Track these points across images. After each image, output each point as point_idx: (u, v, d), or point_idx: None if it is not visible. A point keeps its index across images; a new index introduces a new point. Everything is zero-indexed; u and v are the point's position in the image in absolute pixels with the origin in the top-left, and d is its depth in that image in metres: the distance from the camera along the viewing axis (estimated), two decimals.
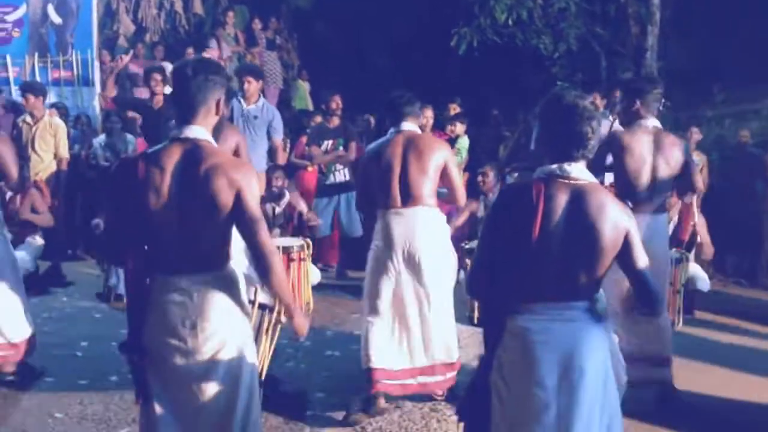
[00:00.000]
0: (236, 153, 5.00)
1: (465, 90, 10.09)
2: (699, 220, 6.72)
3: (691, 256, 6.40)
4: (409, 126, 4.57)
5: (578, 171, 2.73)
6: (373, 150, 4.67)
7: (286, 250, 5.49)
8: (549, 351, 2.71)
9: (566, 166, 2.73)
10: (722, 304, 6.94)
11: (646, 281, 2.77)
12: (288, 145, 9.20)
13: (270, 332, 3.46)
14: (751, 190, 8.16)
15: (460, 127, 8.24)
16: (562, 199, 2.70)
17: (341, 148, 8.14)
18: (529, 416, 2.72)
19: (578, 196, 2.70)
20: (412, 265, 4.44)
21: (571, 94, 2.86)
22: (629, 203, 4.42)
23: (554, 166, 2.75)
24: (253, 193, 2.89)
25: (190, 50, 11.51)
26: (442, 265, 4.55)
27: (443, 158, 4.50)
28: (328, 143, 8.17)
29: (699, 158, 8.17)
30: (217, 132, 4.55)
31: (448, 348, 4.54)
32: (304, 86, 13.07)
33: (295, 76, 13.63)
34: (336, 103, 8.20)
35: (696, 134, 8.19)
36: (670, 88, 9.81)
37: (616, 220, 2.69)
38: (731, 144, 8.81)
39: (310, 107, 12.09)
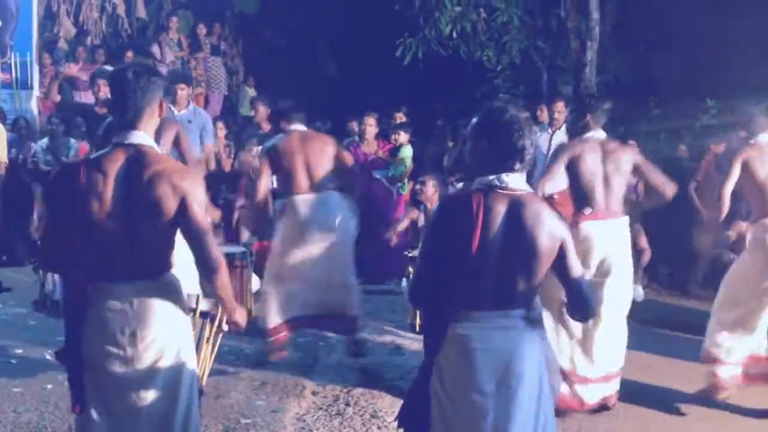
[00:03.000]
0: (177, 142, 5.55)
1: (411, 100, 10.17)
2: (637, 227, 6.93)
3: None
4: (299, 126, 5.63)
5: (516, 182, 2.80)
6: (271, 145, 5.65)
7: (228, 257, 5.48)
8: (488, 358, 2.76)
9: (504, 177, 2.78)
10: (656, 313, 7.12)
11: (581, 289, 2.85)
12: (233, 151, 9.15)
13: (211, 340, 3.46)
14: (686, 203, 8.38)
15: (404, 136, 8.30)
16: (500, 210, 2.76)
17: None
18: (468, 422, 2.76)
19: (516, 207, 2.76)
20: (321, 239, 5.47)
21: (510, 107, 2.93)
22: (586, 211, 4.59)
23: (492, 177, 2.80)
24: (199, 199, 2.88)
25: (130, 53, 11.36)
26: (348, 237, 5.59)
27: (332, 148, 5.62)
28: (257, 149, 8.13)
29: None
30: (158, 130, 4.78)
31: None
32: (250, 92, 13.00)
33: (240, 82, 13.55)
34: (261, 109, 8.26)
35: (633, 148, 8.39)
36: (607, 102, 10.08)
37: (552, 230, 2.76)
38: (667, 158, 9.04)
39: None
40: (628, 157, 4.79)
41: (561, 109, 7.78)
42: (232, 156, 9.12)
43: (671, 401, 4.90)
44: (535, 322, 2.85)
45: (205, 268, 2.91)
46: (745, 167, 4.81)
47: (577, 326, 4.61)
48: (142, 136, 2.91)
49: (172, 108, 7.03)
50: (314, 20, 13.03)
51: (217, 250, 2.96)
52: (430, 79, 11.08)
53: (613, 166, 4.72)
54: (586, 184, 4.72)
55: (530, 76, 11.42)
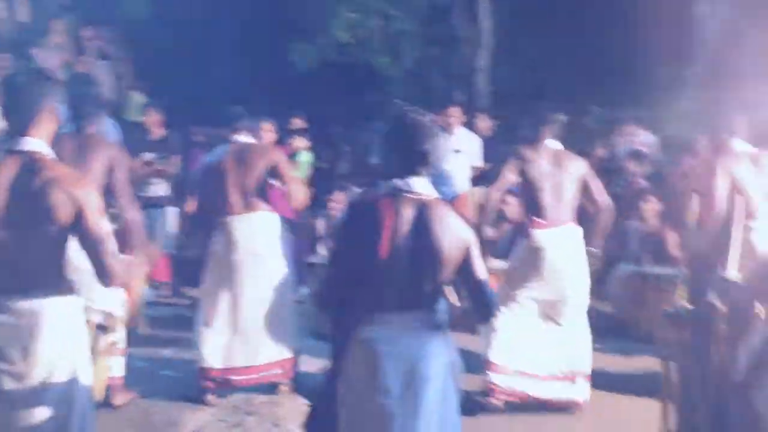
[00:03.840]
0: (111, 171, 4.67)
1: (306, 106, 10.12)
2: None
3: None
4: (243, 138, 5.06)
5: (422, 186, 2.83)
6: (209, 162, 5.12)
7: None
8: (394, 360, 2.77)
9: (411, 182, 2.82)
10: None
11: (484, 291, 2.91)
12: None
13: (105, 353, 3.35)
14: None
15: (301, 142, 8.26)
16: (407, 214, 2.79)
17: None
18: (375, 425, 2.77)
19: (423, 211, 2.80)
20: (254, 267, 4.86)
21: (413, 112, 2.97)
22: (540, 218, 4.75)
23: (400, 181, 2.83)
24: (95, 208, 2.81)
25: (6, 56, 10.85)
26: (280, 266, 4.97)
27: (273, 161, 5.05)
28: (149, 156, 7.90)
29: None
30: (83, 149, 4.52)
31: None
32: (138, 98, 12.64)
33: (128, 87, 13.16)
34: (153, 116, 7.97)
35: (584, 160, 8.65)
36: (500, 109, 10.37)
37: (458, 234, 2.81)
38: None
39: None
40: (580, 166, 4.96)
41: (455, 114, 7.93)
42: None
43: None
44: (440, 324, 2.88)
45: (104, 278, 2.84)
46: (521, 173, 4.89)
47: (533, 324, 4.76)
48: (36, 143, 2.82)
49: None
50: (207, 26, 12.80)
51: (116, 258, 2.87)
52: (325, 85, 11.08)
53: (566, 176, 4.87)
54: (536, 193, 4.84)
55: (424, 83, 11.59)
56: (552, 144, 4.97)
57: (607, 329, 6.35)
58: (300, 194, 5.29)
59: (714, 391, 3.06)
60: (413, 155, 2.84)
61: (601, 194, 5.03)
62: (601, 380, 5.09)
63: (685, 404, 3.23)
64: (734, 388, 2.92)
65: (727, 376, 2.99)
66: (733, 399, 2.90)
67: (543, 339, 4.82)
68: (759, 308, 2.98)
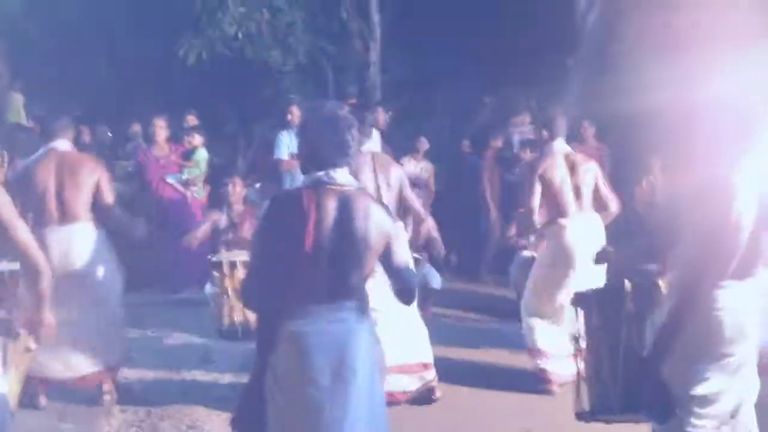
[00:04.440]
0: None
1: (198, 102, 9.93)
2: (430, 223, 7.22)
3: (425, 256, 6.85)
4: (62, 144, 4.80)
5: (343, 177, 2.85)
6: (24, 168, 4.87)
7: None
8: (322, 352, 2.78)
9: (332, 173, 2.83)
10: (454, 299, 7.47)
11: (404, 276, 2.96)
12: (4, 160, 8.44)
13: (18, 361, 3.21)
14: (472, 194, 8.86)
15: (198, 139, 8.09)
16: (331, 205, 2.80)
17: None
18: (305, 417, 2.77)
19: (345, 202, 2.81)
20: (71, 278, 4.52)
21: (329, 104, 2.98)
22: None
23: (321, 173, 2.84)
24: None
25: None
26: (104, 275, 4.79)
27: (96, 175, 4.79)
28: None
29: (426, 166, 8.74)
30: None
31: None
32: (18, 98, 12.07)
33: (5, 86, 12.53)
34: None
35: (423, 144, 8.76)
36: (392, 100, 10.48)
37: (380, 223, 2.84)
38: (452, 154, 9.50)
39: (24, 121, 11.19)
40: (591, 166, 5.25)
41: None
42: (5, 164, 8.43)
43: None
44: (364, 314, 2.91)
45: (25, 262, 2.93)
46: (542, 178, 5.15)
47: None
48: None
49: None
50: (86, 19, 12.33)
51: (33, 241, 2.90)
52: (217, 80, 10.90)
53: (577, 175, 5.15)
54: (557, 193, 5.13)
55: (317, 77, 11.58)
56: (562, 146, 5.28)
57: (511, 312, 6.57)
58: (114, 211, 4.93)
59: (624, 368, 3.21)
60: (333, 146, 2.85)
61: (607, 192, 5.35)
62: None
63: (597, 382, 3.37)
64: (643, 363, 3.06)
65: (635, 351, 3.14)
66: (642, 374, 3.04)
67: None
68: (661, 284, 3.16)
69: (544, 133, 5.31)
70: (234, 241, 6.47)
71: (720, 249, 2.89)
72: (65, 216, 4.69)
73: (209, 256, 6.27)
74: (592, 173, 5.24)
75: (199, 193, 8.03)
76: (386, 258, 2.90)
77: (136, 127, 8.73)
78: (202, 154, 8.09)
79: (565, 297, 5.01)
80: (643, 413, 3.14)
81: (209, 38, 10.53)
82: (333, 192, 2.81)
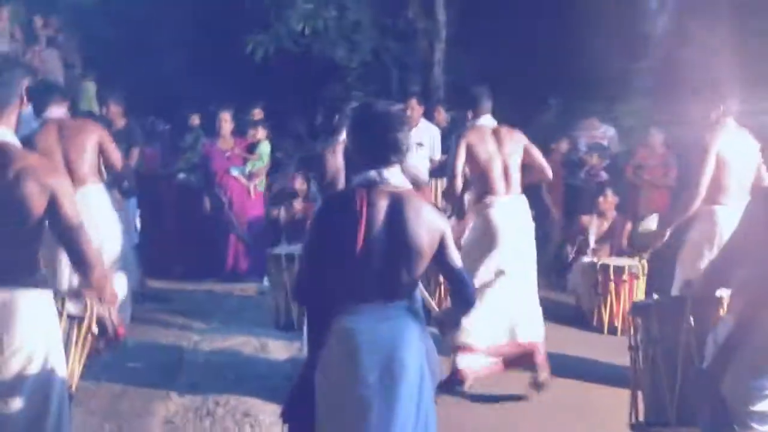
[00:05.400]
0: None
1: (264, 97, 10.06)
2: None
3: None
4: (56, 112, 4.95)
5: (395, 177, 2.86)
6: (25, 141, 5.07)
7: None
8: (372, 350, 2.79)
9: (385, 173, 2.84)
10: None
11: (462, 279, 2.95)
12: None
13: (80, 343, 3.31)
14: (533, 197, 8.75)
15: (261, 132, 8.22)
16: (382, 205, 2.81)
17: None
18: (353, 414, 2.79)
19: (397, 202, 2.82)
20: None
21: (380, 102, 2.99)
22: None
23: (373, 172, 2.85)
24: (69, 196, 2.80)
25: None
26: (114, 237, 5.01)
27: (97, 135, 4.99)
28: None
29: None
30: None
31: None
32: (91, 87, 12.41)
33: (78, 76, 12.91)
34: (112, 108, 7.79)
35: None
36: (455, 101, 10.44)
37: (432, 225, 2.83)
38: None
39: (96, 109, 11.50)
40: (519, 138, 5.03)
41: (414, 107, 7.98)
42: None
43: None
44: (416, 313, 2.92)
45: (81, 266, 2.85)
46: (469, 150, 4.92)
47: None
48: (4, 132, 2.78)
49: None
50: (156, 14, 12.60)
51: (92, 246, 2.86)
52: (282, 76, 11.03)
53: (508, 149, 4.93)
54: (484, 170, 4.91)
55: (380, 75, 11.62)
56: (488, 121, 5.03)
57: (568, 319, 6.51)
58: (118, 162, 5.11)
59: (682, 380, 3.16)
60: (385, 145, 2.85)
61: (542, 161, 5.15)
62: (565, 369, 5.20)
63: (653, 393, 3.32)
64: (702, 376, 3.01)
65: (693, 364, 3.08)
66: (700, 388, 2.99)
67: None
68: (724, 295, 3.10)
69: (469, 112, 5.11)
70: (295, 236, 6.55)
71: None
72: (74, 181, 4.64)
73: (268, 249, 6.36)
74: (520, 147, 5.01)
75: (261, 186, 8.15)
76: (441, 260, 2.90)
77: (196, 120, 8.88)
78: (266, 148, 8.20)
79: (485, 276, 4.86)
80: (699, 426, 3.09)
81: (276, 34, 10.67)
82: (385, 192, 2.82)
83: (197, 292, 7.30)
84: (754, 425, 2.93)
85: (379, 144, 2.87)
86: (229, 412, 4.54)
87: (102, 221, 4.87)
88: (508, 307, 4.89)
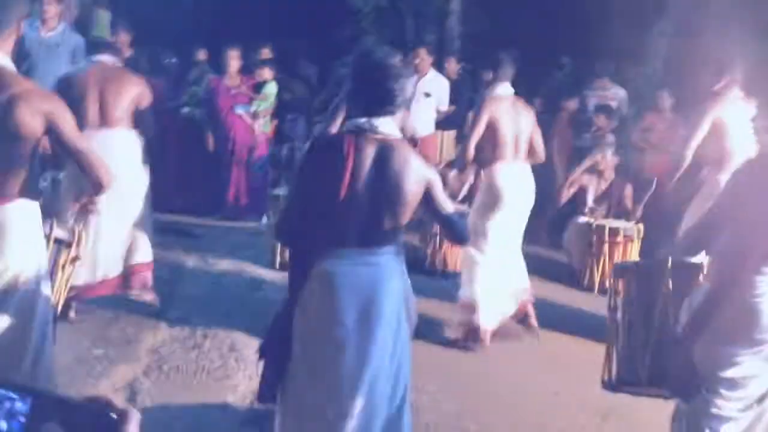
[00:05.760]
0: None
1: (274, 37, 9.97)
2: None
3: None
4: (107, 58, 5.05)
5: (386, 126, 2.86)
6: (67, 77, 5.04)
7: None
8: (351, 293, 2.84)
9: (374, 121, 2.84)
10: None
11: (452, 221, 3.01)
12: None
13: (66, 267, 3.38)
14: None
15: (268, 72, 8.16)
16: (370, 153, 2.82)
17: None
18: (329, 355, 2.85)
19: (385, 151, 2.83)
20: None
21: (381, 50, 2.98)
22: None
23: (363, 120, 2.85)
24: (67, 121, 2.87)
25: None
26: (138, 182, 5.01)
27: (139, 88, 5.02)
28: None
29: None
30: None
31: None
32: (104, 15, 12.32)
33: (90, 3, 12.81)
34: (122, 35, 7.66)
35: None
36: (469, 52, 10.33)
37: (419, 174, 2.85)
38: None
39: (109, 36, 11.42)
40: (531, 115, 5.23)
41: (423, 56, 7.90)
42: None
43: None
44: (398, 260, 2.95)
45: (95, 183, 3.04)
46: (489, 121, 5.04)
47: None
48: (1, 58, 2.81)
49: (40, 27, 6.52)
50: None
51: (101, 161, 3.04)
52: (295, 17, 10.91)
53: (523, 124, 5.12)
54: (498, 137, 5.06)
55: (395, 22, 11.47)
56: (508, 90, 5.11)
57: (559, 277, 6.55)
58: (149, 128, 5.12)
59: (656, 342, 3.19)
60: (379, 94, 2.85)
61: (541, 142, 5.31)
62: (549, 322, 5.33)
63: (627, 353, 3.36)
64: (675, 340, 3.05)
65: (669, 328, 3.12)
66: (672, 351, 3.03)
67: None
68: (703, 261, 3.12)
69: (489, 74, 5.24)
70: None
71: (762, 234, 2.84)
72: (105, 121, 4.86)
73: (269, 189, 6.39)
74: (530, 121, 5.20)
75: (266, 126, 8.13)
76: (429, 207, 2.93)
77: (202, 55, 8.82)
78: (272, 88, 8.16)
79: (493, 239, 5.08)
80: (668, 389, 3.14)
81: None
82: (374, 140, 2.83)
83: (196, 226, 7.37)
84: (723, 390, 2.98)
85: (373, 93, 2.87)
86: (216, 346, 4.63)
87: (127, 164, 4.87)
88: (512, 277, 5.20)
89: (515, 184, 5.12)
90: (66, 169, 4.62)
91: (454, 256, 6.16)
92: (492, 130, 5.04)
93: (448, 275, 6.15)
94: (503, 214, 5.09)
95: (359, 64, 2.97)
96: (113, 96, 4.89)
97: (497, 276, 5.07)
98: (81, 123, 4.62)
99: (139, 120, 5.00)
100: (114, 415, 1.06)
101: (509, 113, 5.08)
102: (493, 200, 5.10)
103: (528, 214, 5.27)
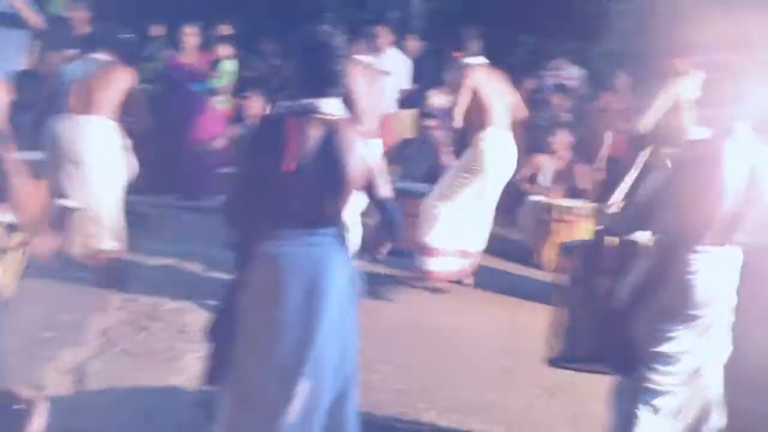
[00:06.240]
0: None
1: (234, 13, 9.85)
2: (448, 158, 7.25)
3: None
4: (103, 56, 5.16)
5: (329, 106, 2.85)
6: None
7: None
8: (295, 274, 2.84)
9: (317, 102, 2.83)
10: None
11: (387, 209, 3.00)
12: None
13: (12, 252, 3.32)
14: None
15: (226, 50, 8.07)
16: (313, 133, 2.81)
17: None
18: (273, 336, 2.85)
19: (329, 131, 2.82)
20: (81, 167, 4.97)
21: (325, 30, 2.96)
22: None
23: (306, 101, 2.84)
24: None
25: None
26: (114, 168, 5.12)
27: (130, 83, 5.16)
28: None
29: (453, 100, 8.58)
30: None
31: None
32: None
33: None
34: (80, 11, 7.62)
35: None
36: (435, 30, 10.29)
37: (362, 156, 2.86)
38: None
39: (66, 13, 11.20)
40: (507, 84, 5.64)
41: (383, 34, 7.85)
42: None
43: None
44: (342, 240, 2.95)
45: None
46: (474, 90, 5.37)
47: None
48: None
49: None
50: None
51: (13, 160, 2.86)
52: None
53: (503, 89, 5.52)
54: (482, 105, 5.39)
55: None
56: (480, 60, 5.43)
57: (512, 255, 6.61)
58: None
59: (596, 318, 3.24)
60: (322, 75, 2.84)
61: None
62: (503, 299, 5.57)
63: (571, 330, 3.41)
64: (615, 315, 3.11)
65: (608, 305, 3.17)
66: (611, 327, 3.09)
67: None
68: (642, 242, 3.17)
69: (457, 53, 5.50)
70: None
71: (700, 214, 2.89)
72: (86, 106, 4.97)
73: (223, 169, 6.35)
74: (507, 86, 5.58)
75: (223, 103, 8.05)
76: (369, 191, 2.94)
77: (159, 30, 8.69)
78: (230, 66, 8.08)
79: (466, 196, 5.45)
80: (607, 364, 3.20)
81: None
82: (317, 120, 2.82)
83: (151, 205, 7.29)
84: (658, 366, 3.06)
85: (315, 75, 2.86)
86: (165, 328, 4.62)
87: (98, 157, 5.02)
88: (475, 223, 5.58)
89: (500, 151, 5.41)
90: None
91: None
92: (476, 97, 5.31)
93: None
94: (481, 181, 5.39)
95: (302, 44, 2.94)
96: (100, 84, 5.03)
97: (451, 231, 5.42)
98: (62, 109, 4.95)
99: (132, 109, 5.14)
100: (18, 406, 1.05)
101: (489, 80, 5.41)
102: (476, 165, 5.37)
103: (504, 182, 5.56)
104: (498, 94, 5.48)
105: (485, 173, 5.42)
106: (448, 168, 5.83)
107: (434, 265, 5.55)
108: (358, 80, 4.73)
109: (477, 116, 5.40)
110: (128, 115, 5.12)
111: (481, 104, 5.36)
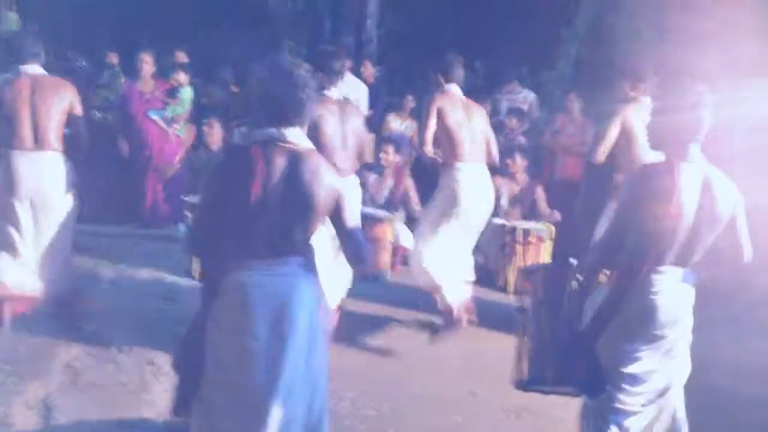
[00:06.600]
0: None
1: (191, 41, 9.85)
2: (408, 182, 7.35)
3: (401, 215, 6.94)
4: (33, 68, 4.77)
5: (295, 136, 2.89)
6: None
7: None
8: (263, 303, 2.86)
9: (284, 131, 2.87)
10: None
11: (355, 239, 3.02)
12: None
13: None
14: None
15: (183, 77, 8.05)
16: (280, 163, 2.84)
17: None
18: (241, 366, 2.86)
19: (295, 161, 2.85)
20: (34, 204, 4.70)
21: (289, 60, 3.00)
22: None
23: (273, 129, 2.88)
24: None
25: None
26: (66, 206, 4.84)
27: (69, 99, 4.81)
28: None
29: (411, 125, 8.67)
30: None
31: None
32: (13, 17, 11.96)
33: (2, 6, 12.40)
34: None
35: (409, 102, 8.72)
36: (388, 54, 10.43)
37: (329, 185, 2.89)
38: None
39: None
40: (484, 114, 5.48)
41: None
42: None
43: None
44: (310, 269, 2.98)
45: None
46: (439, 113, 5.16)
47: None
48: None
49: None
50: None
51: None
52: (211, 20, 10.81)
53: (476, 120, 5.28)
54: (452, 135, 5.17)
55: (313, 24, 11.50)
56: (456, 89, 5.27)
57: (477, 278, 6.67)
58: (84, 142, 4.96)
59: (561, 340, 3.31)
60: (288, 104, 2.87)
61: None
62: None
63: (536, 353, 3.47)
64: (578, 338, 3.18)
65: (573, 327, 3.24)
66: (577, 349, 3.16)
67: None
68: (603, 274, 3.25)
69: (439, 76, 5.31)
70: None
71: (659, 235, 2.98)
72: (38, 143, 4.69)
73: (182, 196, 6.32)
74: (484, 121, 5.38)
75: (181, 131, 8.02)
76: (336, 220, 2.98)
77: (113, 58, 8.64)
78: (187, 93, 8.06)
79: (447, 235, 5.24)
80: (574, 387, 3.27)
81: None
82: (283, 149, 2.86)
83: (110, 235, 7.22)
84: (625, 386, 3.13)
85: (280, 104, 2.88)
86: (132, 360, 4.57)
87: (57, 187, 4.77)
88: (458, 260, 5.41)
89: (474, 186, 5.21)
90: None
91: None
92: (446, 127, 5.13)
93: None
94: (459, 219, 5.19)
95: (267, 74, 2.97)
96: (47, 115, 4.69)
97: (445, 268, 5.28)
98: (12, 143, 4.64)
99: (72, 135, 4.85)
100: None
101: (462, 111, 5.21)
102: (450, 203, 5.18)
103: (486, 218, 5.40)
104: (470, 128, 5.24)
105: (462, 212, 5.23)
106: (422, 210, 5.73)
107: (446, 300, 5.34)
108: (329, 118, 4.61)
109: (448, 148, 5.21)
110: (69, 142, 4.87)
111: (452, 136, 5.17)
